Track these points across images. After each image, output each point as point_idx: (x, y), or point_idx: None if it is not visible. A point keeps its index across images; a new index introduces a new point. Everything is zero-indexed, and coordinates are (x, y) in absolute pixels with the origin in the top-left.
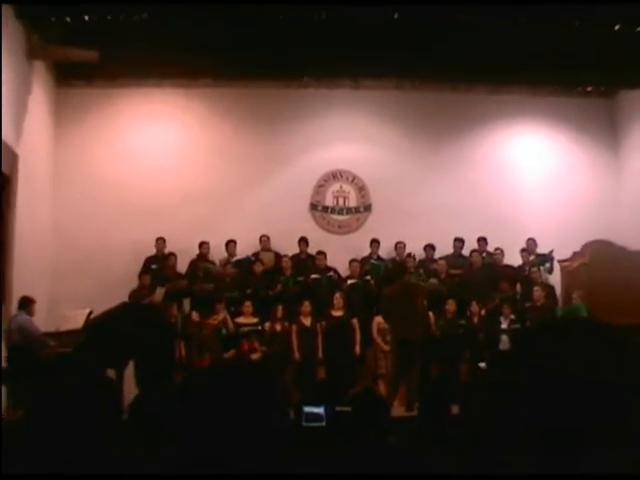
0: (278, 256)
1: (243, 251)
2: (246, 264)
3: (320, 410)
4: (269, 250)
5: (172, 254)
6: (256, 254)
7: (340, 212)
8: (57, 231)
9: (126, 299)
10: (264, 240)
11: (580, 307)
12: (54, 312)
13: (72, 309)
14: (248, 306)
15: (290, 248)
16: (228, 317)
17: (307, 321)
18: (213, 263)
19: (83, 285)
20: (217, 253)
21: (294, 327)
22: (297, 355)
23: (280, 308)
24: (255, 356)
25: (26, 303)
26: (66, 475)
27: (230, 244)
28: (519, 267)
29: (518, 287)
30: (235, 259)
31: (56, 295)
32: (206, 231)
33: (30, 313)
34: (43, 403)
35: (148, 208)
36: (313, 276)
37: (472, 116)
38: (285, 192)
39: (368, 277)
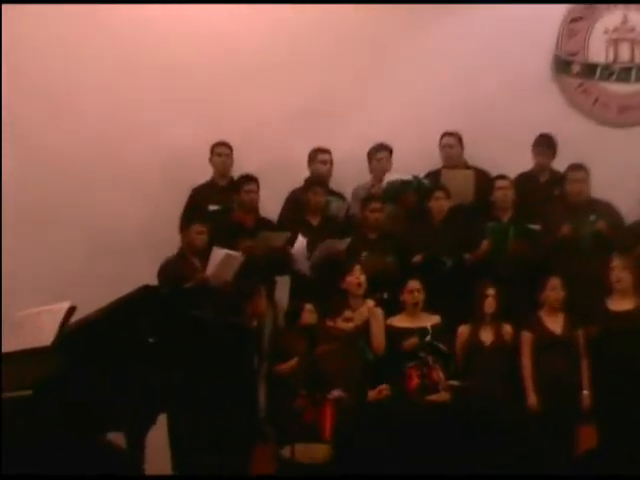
0: (482, 177)
1: (402, 166)
2: (412, 194)
3: None
4: (462, 165)
5: (251, 178)
6: (434, 174)
7: (624, 76)
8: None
9: (150, 278)
10: (449, 144)
11: None
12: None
13: (34, 304)
14: (415, 289)
15: (511, 159)
16: (380, 315)
17: (555, 323)
18: (341, 196)
19: (59, 249)
20: (348, 175)
21: (527, 335)
22: (533, 399)
23: (491, 293)
24: (438, 398)
25: None
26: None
27: (377, 154)
28: None
29: None
30: (388, 181)
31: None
32: (320, 129)
33: None
34: None
35: (193, 81)
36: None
37: None
38: (497, 34)
39: None
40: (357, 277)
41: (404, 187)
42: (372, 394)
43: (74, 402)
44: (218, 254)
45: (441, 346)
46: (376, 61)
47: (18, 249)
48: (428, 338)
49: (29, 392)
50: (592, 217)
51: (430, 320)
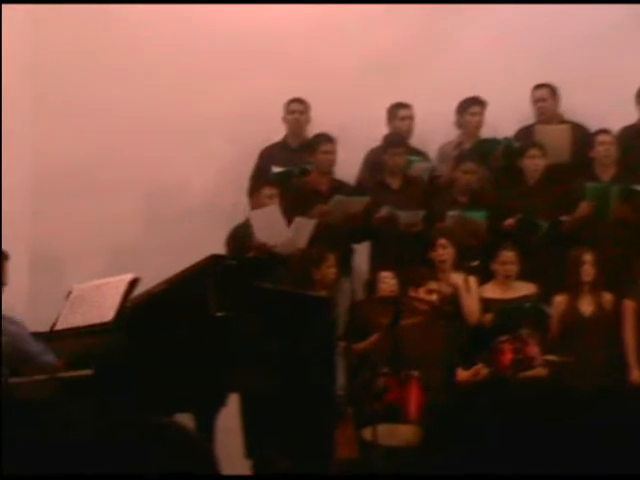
0: (580, 132)
1: (491, 122)
2: (500, 155)
3: None
4: (557, 120)
5: (328, 138)
6: (527, 130)
7: None
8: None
9: (217, 246)
10: (542, 97)
11: None
12: (42, 288)
13: (91, 275)
14: (508, 261)
15: (613, 112)
16: (474, 284)
17: None
18: (424, 155)
19: (117, 215)
20: (432, 132)
21: (630, 305)
22: (638, 375)
23: (589, 259)
24: (534, 374)
25: None
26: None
27: (470, 108)
28: None
29: None
30: (478, 140)
31: (44, 248)
32: (401, 83)
33: None
34: None
35: (264, 37)
36: None
37: None
38: None
39: None
40: (440, 254)
41: (492, 146)
42: (465, 374)
43: (137, 382)
44: (257, 214)
45: (548, 310)
46: (460, 8)
47: (72, 217)
48: (528, 305)
49: (90, 371)
50: None
51: (525, 289)
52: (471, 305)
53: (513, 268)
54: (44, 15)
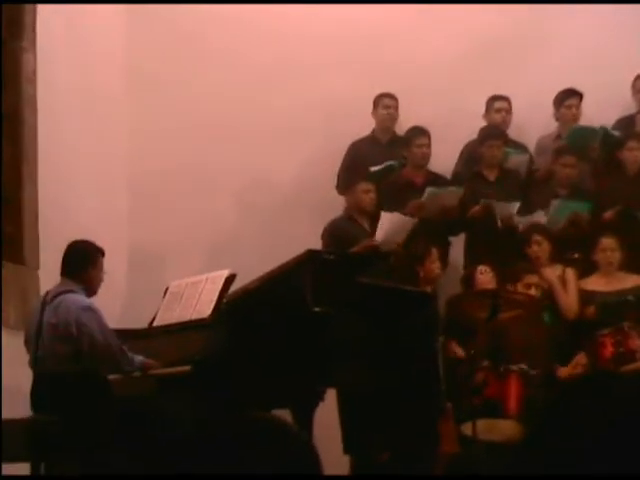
0: None
1: (590, 113)
2: (597, 145)
3: None
4: None
5: (423, 131)
6: (627, 120)
7: None
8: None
9: (310, 240)
10: None
11: None
12: (140, 285)
13: (186, 272)
14: (609, 248)
15: None
16: (572, 277)
17: None
18: (523, 148)
19: (211, 213)
20: (532, 123)
21: None
22: None
23: None
24: (636, 367)
25: (83, 260)
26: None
27: (567, 101)
28: None
29: None
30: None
31: (142, 245)
32: (497, 74)
33: (92, 285)
34: None
35: (354, 30)
36: None
37: None
38: None
39: None
40: (535, 251)
41: (589, 136)
42: (565, 370)
43: (235, 378)
44: (388, 218)
45: None
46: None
47: (169, 215)
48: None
49: (188, 368)
50: None
51: (630, 281)
52: (567, 299)
53: (614, 255)
54: (139, 17)
